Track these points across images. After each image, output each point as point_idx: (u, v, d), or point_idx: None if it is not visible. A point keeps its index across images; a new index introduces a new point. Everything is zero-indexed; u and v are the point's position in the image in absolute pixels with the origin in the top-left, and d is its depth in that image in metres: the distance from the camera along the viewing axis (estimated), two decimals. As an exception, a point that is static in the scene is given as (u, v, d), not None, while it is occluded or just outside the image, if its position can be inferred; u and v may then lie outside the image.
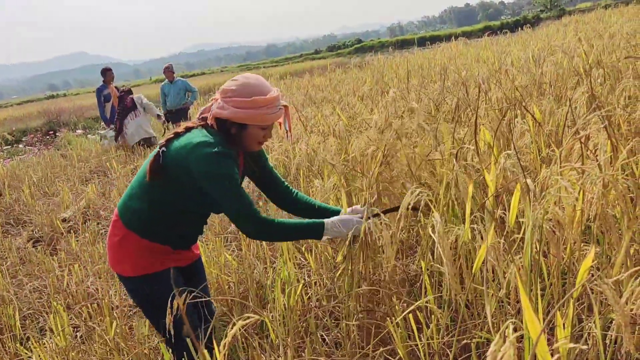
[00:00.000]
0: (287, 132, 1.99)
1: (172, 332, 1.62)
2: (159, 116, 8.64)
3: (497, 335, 0.85)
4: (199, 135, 1.82)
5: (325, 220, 1.92)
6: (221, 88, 1.88)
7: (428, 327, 1.82)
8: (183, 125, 1.94)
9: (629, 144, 1.88)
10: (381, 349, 1.90)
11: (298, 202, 2.19)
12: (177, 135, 1.89)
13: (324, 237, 1.92)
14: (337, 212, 2.15)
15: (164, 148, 1.86)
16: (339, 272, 2.25)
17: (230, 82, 1.87)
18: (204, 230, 2.18)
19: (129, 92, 8.44)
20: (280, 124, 2.00)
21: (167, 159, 1.83)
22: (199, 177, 1.78)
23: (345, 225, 1.93)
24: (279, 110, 1.88)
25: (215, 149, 1.76)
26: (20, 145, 14.40)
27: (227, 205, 1.81)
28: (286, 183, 2.21)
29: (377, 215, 1.98)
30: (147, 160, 1.91)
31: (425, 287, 1.89)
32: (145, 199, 1.90)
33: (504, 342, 0.85)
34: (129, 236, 1.93)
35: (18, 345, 2.64)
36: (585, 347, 0.79)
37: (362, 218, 1.97)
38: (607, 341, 1.45)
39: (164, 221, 1.93)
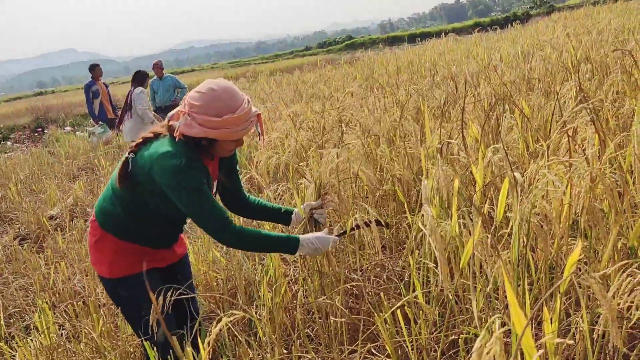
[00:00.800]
0: (259, 137, 1.92)
1: (153, 335, 1.61)
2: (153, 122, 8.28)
3: (482, 330, 0.83)
4: (165, 144, 1.74)
5: (301, 237, 1.86)
6: (187, 100, 1.74)
7: (416, 322, 1.81)
8: (151, 130, 1.86)
9: (616, 139, 1.88)
10: (369, 345, 1.88)
11: (252, 205, 2.15)
12: (146, 140, 1.81)
13: (298, 253, 1.86)
14: (290, 212, 2.13)
15: (132, 154, 1.79)
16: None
17: (196, 94, 1.72)
18: (186, 229, 2.14)
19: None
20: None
21: (135, 166, 1.78)
22: (164, 188, 1.72)
23: (321, 242, 1.87)
24: (251, 122, 1.76)
25: (180, 161, 1.68)
26: (8, 143, 14.26)
27: (196, 216, 1.75)
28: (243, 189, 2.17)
29: (344, 233, 2.00)
30: (119, 163, 1.86)
31: (414, 283, 1.87)
32: (119, 202, 1.85)
33: (491, 337, 0.83)
34: (105, 237, 1.89)
35: (2, 344, 2.60)
36: (571, 342, 0.78)
37: (337, 235, 1.96)
38: (595, 336, 1.44)
39: (139, 223, 1.88)
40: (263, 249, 1.93)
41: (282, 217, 2.14)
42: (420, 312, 1.82)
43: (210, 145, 1.77)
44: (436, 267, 1.93)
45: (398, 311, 1.77)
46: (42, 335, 2.48)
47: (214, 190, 1.99)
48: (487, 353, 0.78)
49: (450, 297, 1.79)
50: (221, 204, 1.98)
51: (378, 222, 1.97)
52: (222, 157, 1.98)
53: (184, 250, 2.18)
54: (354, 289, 2.45)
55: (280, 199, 4.16)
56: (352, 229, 2.02)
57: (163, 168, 1.68)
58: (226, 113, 1.68)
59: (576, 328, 1.50)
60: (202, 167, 1.77)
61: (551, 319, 1.31)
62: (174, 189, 1.70)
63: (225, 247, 2.85)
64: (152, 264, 1.96)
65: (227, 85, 1.73)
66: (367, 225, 1.98)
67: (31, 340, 2.50)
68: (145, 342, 1.72)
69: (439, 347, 1.76)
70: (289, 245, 1.84)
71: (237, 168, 2.11)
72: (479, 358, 0.78)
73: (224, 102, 1.69)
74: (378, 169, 3.18)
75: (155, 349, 1.78)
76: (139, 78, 7.28)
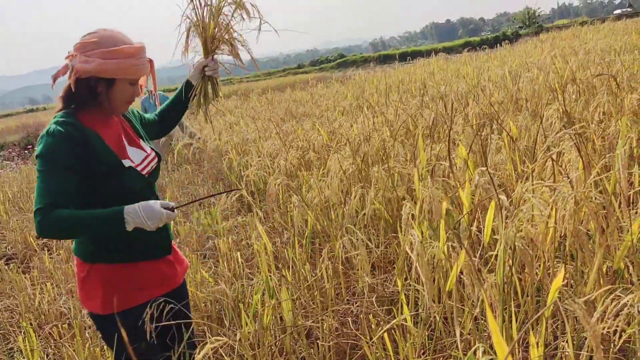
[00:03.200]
0: (151, 92, 1.86)
1: None
2: None
3: (466, 358, 0.83)
4: (52, 120, 1.62)
5: (125, 208, 1.58)
6: (77, 44, 1.64)
7: (405, 345, 1.79)
8: (55, 110, 1.71)
9: (602, 160, 1.89)
10: (356, 369, 1.87)
11: (163, 113, 2.10)
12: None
13: (128, 226, 1.58)
14: (187, 83, 2.06)
15: None
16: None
17: (88, 35, 1.64)
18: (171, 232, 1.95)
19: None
20: (141, 86, 1.82)
21: None
22: None
23: (147, 214, 1.59)
24: (147, 62, 1.72)
25: (47, 128, 1.56)
26: (-2, 160, 14.18)
27: (36, 188, 1.55)
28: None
29: (177, 207, 1.74)
30: None
31: (402, 305, 1.87)
32: None
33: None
34: (93, 270, 1.71)
35: (-15, 367, 2.56)
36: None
37: (172, 209, 1.69)
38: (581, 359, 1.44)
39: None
40: (85, 229, 1.58)
41: (184, 93, 2.06)
42: (409, 335, 1.81)
43: (106, 92, 1.65)
44: (424, 290, 1.92)
45: (386, 334, 1.76)
46: (26, 359, 2.45)
47: (146, 157, 1.83)
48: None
49: (438, 320, 1.78)
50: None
51: (228, 191, 1.88)
52: (132, 121, 1.88)
53: (186, 268, 1.99)
54: (342, 311, 2.44)
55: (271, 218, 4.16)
56: (193, 201, 1.94)
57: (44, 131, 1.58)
58: (124, 44, 1.64)
59: (562, 352, 1.49)
60: (73, 135, 1.58)
61: (537, 343, 1.30)
62: (36, 159, 1.55)
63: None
64: (150, 293, 1.78)
65: (115, 29, 1.71)
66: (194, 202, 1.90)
67: (14, 363, 2.46)
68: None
69: (426, 370, 1.75)
70: (113, 220, 1.57)
71: (149, 118, 2.04)
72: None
73: (119, 36, 1.65)
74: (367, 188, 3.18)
75: None
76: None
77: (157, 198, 1.86)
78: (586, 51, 6.60)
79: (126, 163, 1.72)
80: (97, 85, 1.64)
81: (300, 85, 15.52)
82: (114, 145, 1.73)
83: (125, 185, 1.72)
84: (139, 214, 1.58)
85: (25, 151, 15.27)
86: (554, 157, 1.48)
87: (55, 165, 1.54)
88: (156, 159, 1.90)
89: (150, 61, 1.77)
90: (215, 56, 2.01)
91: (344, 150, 3.51)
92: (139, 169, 1.77)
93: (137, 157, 1.79)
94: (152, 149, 1.91)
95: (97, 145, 1.63)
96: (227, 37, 1.97)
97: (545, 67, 4.96)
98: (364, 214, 3.08)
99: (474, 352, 0.85)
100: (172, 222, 1.99)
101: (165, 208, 1.64)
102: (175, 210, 1.68)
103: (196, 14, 1.93)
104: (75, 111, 1.65)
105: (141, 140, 1.87)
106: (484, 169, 1.66)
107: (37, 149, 1.56)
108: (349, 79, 13.98)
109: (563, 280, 1.22)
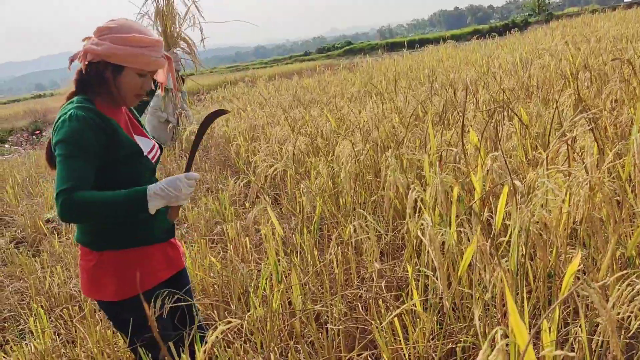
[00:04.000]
0: (170, 90, 1.84)
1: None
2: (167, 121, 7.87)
3: (485, 342, 0.82)
4: (66, 107, 1.61)
5: (149, 187, 1.58)
6: (96, 28, 1.65)
7: (414, 330, 1.80)
8: (66, 94, 1.71)
9: (615, 147, 1.88)
10: (366, 353, 1.87)
11: None
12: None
13: (152, 207, 1.57)
14: None
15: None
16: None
17: (109, 22, 1.65)
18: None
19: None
20: (162, 84, 1.85)
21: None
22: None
23: (172, 186, 1.59)
24: (161, 58, 1.67)
25: (69, 113, 1.54)
26: (6, 145, 14.24)
27: (57, 173, 1.52)
28: None
29: (192, 157, 1.75)
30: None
31: (411, 291, 1.86)
32: None
33: (492, 349, 0.82)
34: (102, 258, 1.70)
35: (-4, 348, 2.59)
36: (572, 354, 0.77)
37: (186, 171, 1.70)
38: (593, 345, 1.43)
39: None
40: (108, 211, 1.55)
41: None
42: (418, 320, 1.81)
43: (114, 79, 1.63)
44: (434, 275, 1.92)
45: (396, 319, 1.76)
46: (37, 340, 2.47)
47: (151, 150, 1.83)
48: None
49: (448, 306, 1.78)
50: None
51: (221, 112, 1.82)
52: (131, 113, 1.86)
53: (183, 258, 2.01)
54: (351, 296, 2.44)
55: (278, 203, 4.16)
56: (197, 139, 1.81)
57: (55, 132, 1.55)
58: (138, 33, 1.62)
59: (575, 338, 1.49)
60: (95, 121, 1.57)
61: (549, 329, 1.30)
62: (56, 146, 1.53)
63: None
64: (159, 276, 1.81)
65: (138, 23, 1.70)
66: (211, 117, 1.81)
67: (25, 344, 2.49)
68: (140, 349, 1.68)
69: (436, 355, 1.75)
70: (137, 201, 1.56)
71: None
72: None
73: (137, 27, 1.65)
74: (375, 175, 3.18)
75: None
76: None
77: None
78: (597, 39, 6.53)
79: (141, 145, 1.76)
80: (105, 70, 1.63)
81: (308, 73, 15.46)
82: (127, 132, 1.74)
83: (139, 171, 1.73)
84: (168, 191, 1.58)
85: (33, 136, 15.33)
86: (569, 142, 1.47)
87: (79, 149, 1.53)
88: (159, 150, 1.93)
89: (168, 58, 1.73)
90: (175, 50, 1.98)
91: (353, 137, 3.49)
92: (149, 156, 1.80)
93: (145, 145, 1.80)
94: (153, 138, 1.94)
95: (118, 131, 1.64)
96: (182, 35, 1.95)
97: (557, 54, 4.91)
98: (373, 201, 3.07)
99: (493, 335, 0.84)
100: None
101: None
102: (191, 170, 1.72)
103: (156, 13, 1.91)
104: (90, 97, 1.66)
105: (144, 131, 1.90)
106: (497, 153, 1.65)
107: (59, 133, 1.53)
108: (356, 66, 13.91)
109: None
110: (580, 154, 1.71)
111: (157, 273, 1.80)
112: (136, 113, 1.94)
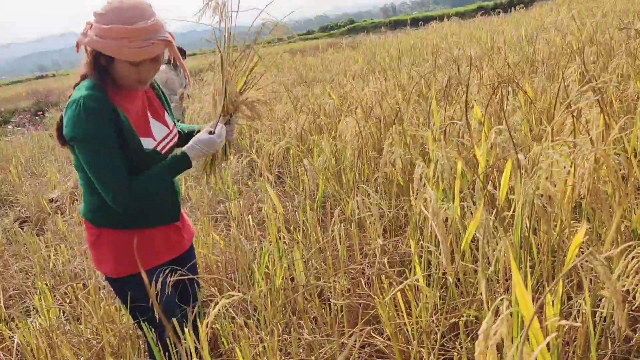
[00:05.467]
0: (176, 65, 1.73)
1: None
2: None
3: (489, 312, 0.81)
4: (79, 89, 1.58)
5: (185, 148, 1.71)
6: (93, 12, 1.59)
7: (417, 305, 1.80)
8: (80, 74, 1.67)
9: (620, 121, 1.85)
10: (368, 328, 1.88)
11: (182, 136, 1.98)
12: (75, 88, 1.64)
13: (195, 165, 1.73)
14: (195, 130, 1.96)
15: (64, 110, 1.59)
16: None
17: (105, 4, 1.55)
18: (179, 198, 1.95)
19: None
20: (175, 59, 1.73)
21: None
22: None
23: (206, 145, 1.70)
24: (151, 44, 1.53)
25: (78, 106, 1.51)
26: (9, 126, 14.24)
27: (94, 175, 1.56)
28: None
29: (226, 123, 1.79)
30: None
31: (414, 267, 1.86)
32: (89, 184, 1.66)
33: (495, 319, 0.82)
34: (103, 234, 1.72)
35: (2, 325, 2.60)
36: (578, 324, 0.76)
37: (211, 132, 1.74)
38: (597, 318, 1.43)
39: None
40: (161, 183, 1.68)
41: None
42: (421, 295, 1.81)
43: (109, 68, 1.57)
44: (437, 251, 1.92)
45: (399, 294, 1.76)
46: (42, 317, 2.48)
47: (162, 133, 1.80)
48: (494, 335, 0.76)
49: (451, 280, 1.78)
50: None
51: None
52: (153, 93, 1.82)
53: (192, 235, 2.01)
54: (354, 272, 2.44)
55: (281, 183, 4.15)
56: (226, 118, 1.81)
57: (67, 119, 1.53)
58: (117, 22, 1.49)
59: (578, 310, 1.48)
60: (106, 110, 1.55)
61: (553, 302, 1.29)
62: (73, 141, 1.54)
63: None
64: (159, 258, 1.81)
65: (136, 3, 1.53)
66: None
67: (31, 321, 2.50)
68: (148, 335, 1.67)
69: (439, 329, 1.75)
70: (183, 161, 1.68)
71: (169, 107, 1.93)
72: (485, 340, 0.76)
73: (122, 13, 1.50)
74: (378, 152, 3.16)
75: (156, 335, 1.75)
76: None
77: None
78: (603, 13, 6.43)
79: (147, 143, 1.68)
80: (99, 59, 1.56)
81: (310, 51, 15.33)
82: (138, 121, 1.69)
83: (144, 164, 1.68)
84: (205, 151, 1.71)
85: (36, 117, 15.32)
86: (575, 114, 1.44)
87: (100, 144, 1.54)
88: (177, 137, 1.86)
89: (167, 42, 1.59)
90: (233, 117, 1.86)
91: (356, 114, 3.46)
92: (159, 147, 1.73)
93: (159, 133, 1.76)
94: (175, 124, 1.86)
95: (124, 125, 1.59)
96: (247, 100, 1.83)
97: (562, 29, 4.84)
98: (376, 179, 3.06)
99: (496, 307, 0.83)
100: (181, 188, 1.98)
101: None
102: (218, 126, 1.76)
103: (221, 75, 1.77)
104: (102, 81, 1.59)
105: (166, 114, 1.83)
106: (501, 127, 1.63)
107: (74, 128, 1.52)
108: (359, 44, 13.77)
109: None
110: (585, 126, 1.69)
111: (157, 255, 1.80)
112: (161, 91, 1.86)
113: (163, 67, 6.81)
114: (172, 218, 1.86)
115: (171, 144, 1.82)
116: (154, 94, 1.82)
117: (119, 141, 1.58)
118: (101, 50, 1.52)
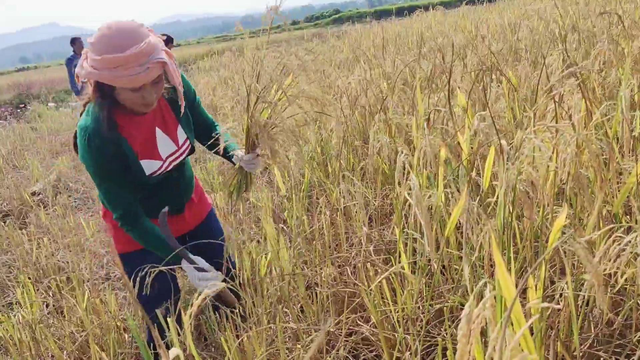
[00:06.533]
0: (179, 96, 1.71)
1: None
2: None
3: (471, 296, 0.81)
4: (87, 114, 1.65)
5: (182, 253, 1.73)
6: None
7: (403, 293, 1.80)
8: (84, 102, 1.72)
9: (602, 107, 1.86)
10: (354, 316, 1.88)
11: (216, 146, 1.97)
12: (87, 105, 1.69)
13: (183, 264, 1.76)
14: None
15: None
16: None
17: (97, 31, 1.53)
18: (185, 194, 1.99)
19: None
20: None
21: None
22: None
23: (198, 274, 1.72)
24: (145, 70, 1.50)
25: (84, 138, 1.58)
26: (-10, 119, 14.03)
27: (100, 194, 1.76)
28: (216, 123, 2.02)
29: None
30: None
31: (400, 254, 1.86)
32: None
33: (478, 303, 0.82)
34: (108, 214, 1.87)
35: (-16, 320, 2.57)
36: (559, 306, 0.76)
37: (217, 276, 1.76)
38: (580, 302, 1.44)
39: None
40: (147, 246, 1.78)
41: (223, 151, 1.98)
42: (407, 282, 1.81)
43: (111, 93, 1.58)
44: (422, 238, 1.92)
45: (384, 282, 1.76)
46: (25, 311, 2.46)
47: (179, 141, 1.84)
48: (477, 318, 0.76)
49: (436, 267, 1.78)
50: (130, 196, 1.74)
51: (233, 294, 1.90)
52: (169, 107, 1.83)
53: (202, 215, 2.10)
54: (340, 260, 2.44)
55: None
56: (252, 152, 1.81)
57: (79, 146, 1.63)
58: (108, 52, 1.46)
59: (560, 295, 1.50)
60: (110, 147, 1.63)
61: (536, 286, 1.30)
62: (87, 169, 1.67)
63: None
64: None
65: (126, 27, 1.50)
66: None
67: (14, 315, 2.47)
68: (128, 315, 1.68)
69: (424, 316, 1.76)
70: (172, 255, 1.70)
71: (197, 103, 1.95)
72: (467, 324, 0.76)
73: (112, 41, 1.47)
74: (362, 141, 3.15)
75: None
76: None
77: (184, 174, 1.97)
78: (586, 1, 6.46)
79: (152, 166, 1.76)
80: (102, 87, 1.56)
81: (296, 42, 15.24)
82: (143, 145, 1.74)
83: (145, 184, 1.81)
84: (190, 270, 1.74)
85: (18, 110, 15.10)
86: (557, 98, 1.45)
87: (107, 174, 1.65)
88: (187, 152, 1.89)
89: (162, 63, 1.55)
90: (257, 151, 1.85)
91: (341, 103, 3.45)
92: (163, 166, 1.80)
93: (166, 150, 1.80)
94: (187, 137, 1.87)
95: (128, 157, 1.69)
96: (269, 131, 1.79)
97: (545, 16, 4.85)
98: (361, 168, 3.06)
99: (478, 291, 0.83)
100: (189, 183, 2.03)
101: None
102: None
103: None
104: (107, 109, 1.60)
105: (179, 128, 1.84)
106: (484, 113, 1.63)
107: (82, 159, 1.63)
108: (345, 34, 13.72)
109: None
110: (567, 112, 1.69)
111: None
112: (176, 107, 1.82)
113: None
114: (177, 211, 1.96)
115: (177, 161, 1.86)
116: (169, 107, 1.82)
117: (124, 167, 1.69)
118: (102, 79, 1.50)
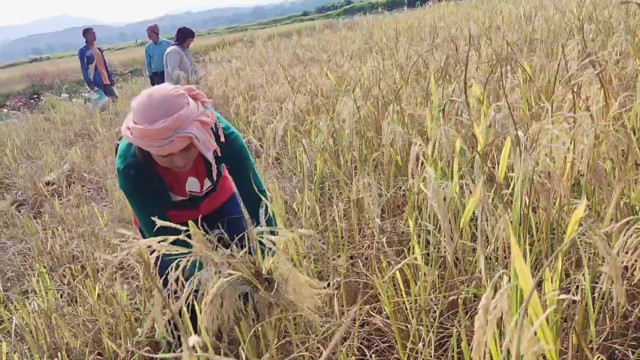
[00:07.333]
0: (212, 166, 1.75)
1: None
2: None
3: (488, 287, 0.81)
4: (127, 142, 1.76)
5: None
6: None
7: (416, 284, 1.80)
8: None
9: (620, 98, 1.83)
10: (368, 307, 1.88)
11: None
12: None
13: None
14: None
15: None
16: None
17: (140, 95, 1.62)
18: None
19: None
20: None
21: None
22: None
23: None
24: (169, 142, 1.55)
25: (122, 163, 1.74)
26: (4, 110, 14.14)
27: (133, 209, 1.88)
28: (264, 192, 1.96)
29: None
30: None
31: (413, 246, 1.85)
32: None
33: (494, 294, 0.81)
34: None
35: (0, 307, 2.60)
36: (577, 297, 0.76)
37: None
38: (596, 294, 1.43)
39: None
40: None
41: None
42: (420, 273, 1.81)
43: (146, 152, 1.70)
44: (435, 229, 1.91)
45: (397, 273, 1.76)
46: (40, 299, 2.48)
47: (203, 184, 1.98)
48: (494, 309, 0.75)
49: (450, 258, 1.77)
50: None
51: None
52: (203, 164, 1.93)
53: (219, 203, 2.18)
54: (353, 252, 2.44)
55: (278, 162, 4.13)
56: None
57: (116, 166, 1.77)
58: (139, 122, 1.55)
59: (577, 287, 1.48)
60: (147, 170, 1.76)
61: (552, 278, 1.29)
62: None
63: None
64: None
65: (165, 96, 1.56)
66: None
67: (29, 303, 2.50)
68: (139, 305, 1.70)
69: (437, 307, 1.75)
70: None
71: (243, 169, 1.92)
72: (484, 314, 0.76)
73: (145, 111, 1.55)
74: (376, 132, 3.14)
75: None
76: (179, 35, 6.85)
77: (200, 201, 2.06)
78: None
79: (174, 196, 1.93)
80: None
81: (307, 32, 15.20)
82: (174, 181, 1.90)
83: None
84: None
85: (32, 101, 15.21)
86: (574, 89, 1.42)
87: (138, 199, 1.79)
88: (206, 193, 2.02)
89: (189, 137, 1.58)
90: None
91: (354, 94, 3.44)
92: (184, 197, 1.96)
93: (191, 188, 1.95)
94: (212, 184, 2.01)
95: (157, 187, 1.83)
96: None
97: (561, 7, 4.79)
98: (373, 159, 3.04)
99: (495, 282, 0.83)
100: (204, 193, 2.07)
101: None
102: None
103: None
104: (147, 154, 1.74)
105: (206, 179, 1.97)
106: (500, 103, 1.61)
107: (118, 182, 1.79)
108: (356, 24, 13.65)
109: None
110: (585, 102, 1.67)
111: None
112: (210, 161, 1.75)
113: (173, 47, 6.84)
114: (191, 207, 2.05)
115: (196, 195, 2.00)
116: (202, 160, 1.90)
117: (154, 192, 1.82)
118: (135, 142, 1.61)
